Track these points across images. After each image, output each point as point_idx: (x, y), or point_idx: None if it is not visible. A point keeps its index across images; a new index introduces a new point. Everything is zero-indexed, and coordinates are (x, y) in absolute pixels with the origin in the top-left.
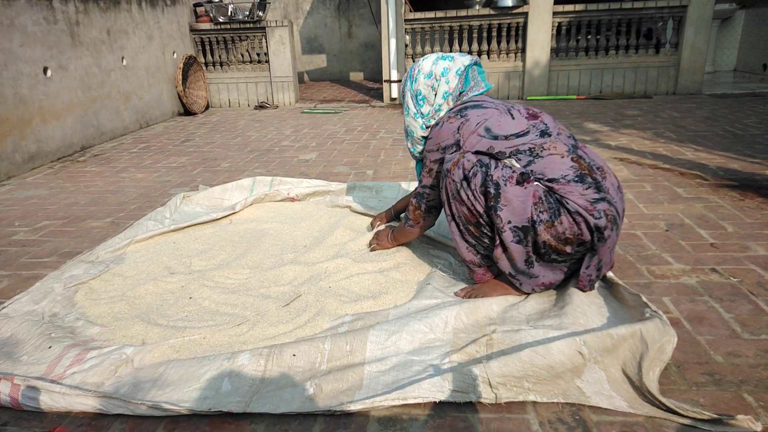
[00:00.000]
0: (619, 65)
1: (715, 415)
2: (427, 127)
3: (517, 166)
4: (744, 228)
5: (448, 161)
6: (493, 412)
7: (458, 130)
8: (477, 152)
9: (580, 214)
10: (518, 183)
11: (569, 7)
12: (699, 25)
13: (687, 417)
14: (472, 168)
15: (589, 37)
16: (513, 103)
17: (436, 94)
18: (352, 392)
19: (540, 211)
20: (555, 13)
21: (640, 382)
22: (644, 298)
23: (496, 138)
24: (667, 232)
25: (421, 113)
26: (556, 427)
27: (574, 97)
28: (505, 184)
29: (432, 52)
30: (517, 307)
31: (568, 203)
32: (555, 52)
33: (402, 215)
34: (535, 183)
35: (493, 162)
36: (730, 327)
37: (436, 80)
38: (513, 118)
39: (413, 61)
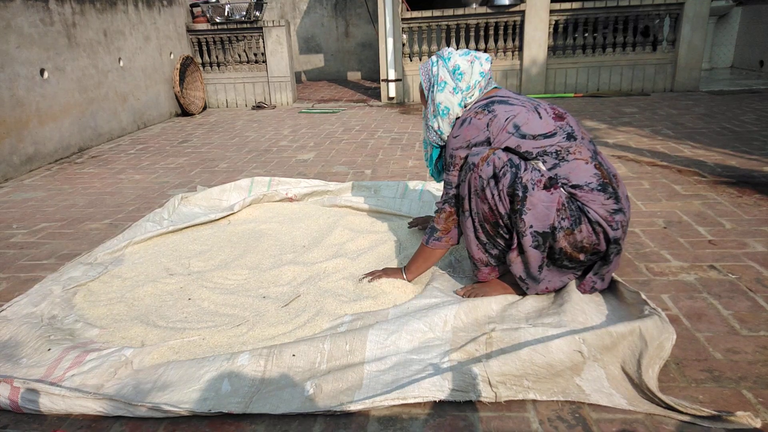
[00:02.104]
0: (616, 63)
1: (714, 412)
2: (464, 105)
3: (543, 168)
4: (742, 225)
5: (475, 154)
6: (492, 411)
7: (488, 126)
8: (507, 149)
9: (600, 225)
10: (545, 188)
11: (566, 5)
12: (696, 22)
13: (686, 414)
14: (503, 167)
15: (586, 34)
16: (538, 99)
17: (472, 72)
18: (352, 392)
19: (562, 218)
20: (552, 11)
21: (639, 380)
22: (643, 296)
23: (524, 137)
24: (665, 230)
25: (460, 88)
26: (556, 425)
27: (572, 95)
28: (533, 188)
29: (429, 51)
30: (517, 306)
31: (589, 212)
32: (552, 50)
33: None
34: (561, 189)
35: (522, 163)
36: (729, 324)
37: (474, 58)
38: (540, 118)
39: (410, 60)
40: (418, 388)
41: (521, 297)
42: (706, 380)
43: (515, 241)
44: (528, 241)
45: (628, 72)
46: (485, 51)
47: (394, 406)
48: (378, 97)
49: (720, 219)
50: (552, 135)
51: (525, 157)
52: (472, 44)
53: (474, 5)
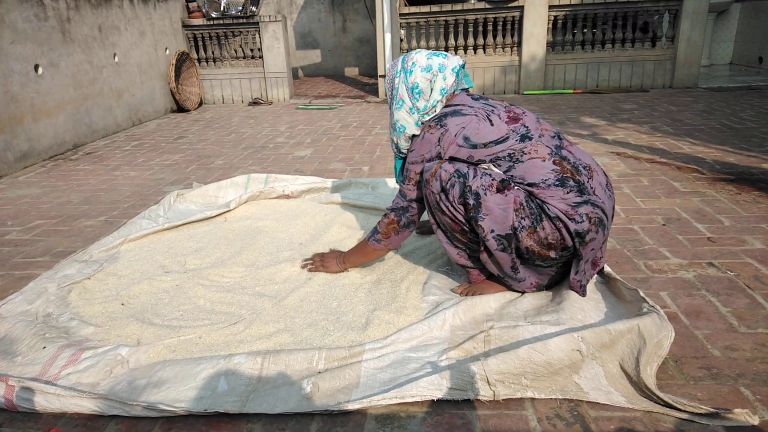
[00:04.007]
0: (615, 59)
1: (712, 409)
2: (421, 124)
3: (497, 171)
4: (740, 222)
5: (426, 171)
6: (491, 409)
7: (439, 141)
8: (454, 158)
9: (560, 219)
10: (498, 191)
11: (565, 1)
12: (695, 18)
13: (685, 411)
14: (449, 179)
15: (585, 30)
16: (495, 103)
17: (432, 90)
18: (350, 391)
19: (522, 218)
20: (551, 7)
21: (637, 378)
22: (642, 293)
23: (474, 147)
24: (664, 227)
25: (417, 108)
26: (554, 423)
27: (571, 91)
28: (485, 193)
29: (428, 46)
30: (515, 303)
31: (548, 208)
32: (551, 46)
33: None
34: (516, 188)
35: (471, 171)
36: (727, 321)
37: (434, 75)
38: (492, 125)
39: None
40: (416, 387)
41: (520, 294)
42: (705, 378)
43: (482, 244)
44: (493, 245)
45: (627, 68)
46: (483, 47)
47: (391, 404)
48: (375, 93)
49: (719, 216)
50: (504, 140)
51: (477, 164)
52: (471, 40)
53: (473, 0)
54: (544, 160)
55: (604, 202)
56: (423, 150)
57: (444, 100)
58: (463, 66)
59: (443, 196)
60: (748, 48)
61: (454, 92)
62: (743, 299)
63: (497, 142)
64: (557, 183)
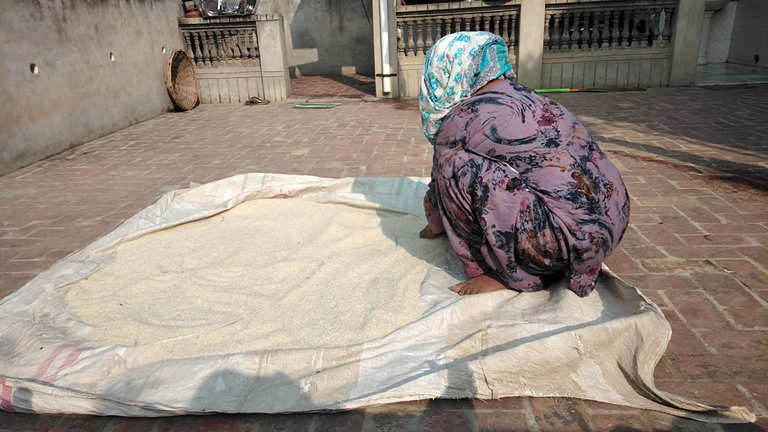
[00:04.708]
0: (612, 58)
1: (709, 407)
2: (438, 109)
3: (512, 170)
4: (737, 220)
5: (441, 156)
6: (489, 408)
7: (466, 126)
8: (469, 151)
9: (562, 232)
10: (508, 188)
11: (562, 0)
12: (691, 17)
13: (682, 409)
14: (462, 167)
15: (582, 29)
16: (536, 97)
17: (449, 77)
18: (348, 390)
19: (525, 220)
20: (548, 6)
21: (635, 376)
22: (639, 291)
23: (499, 141)
24: (661, 225)
25: (435, 96)
26: (552, 422)
27: (568, 89)
28: (494, 188)
29: (425, 45)
30: (512, 302)
31: (553, 218)
32: (548, 44)
33: None
34: (527, 190)
35: (485, 163)
36: (724, 319)
37: (449, 62)
38: (523, 122)
39: (405, 55)
40: (414, 386)
41: (518, 293)
42: (702, 375)
43: (484, 237)
44: (492, 240)
45: (624, 67)
46: None
47: (389, 403)
48: (373, 92)
49: (715, 214)
50: (530, 141)
51: (496, 160)
52: None
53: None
54: (563, 170)
55: (614, 223)
56: (449, 132)
57: (464, 84)
58: (493, 43)
59: (453, 183)
60: (744, 46)
61: (476, 74)
62: (740, 297)
63: (522, 142)
64: (568, 196)
